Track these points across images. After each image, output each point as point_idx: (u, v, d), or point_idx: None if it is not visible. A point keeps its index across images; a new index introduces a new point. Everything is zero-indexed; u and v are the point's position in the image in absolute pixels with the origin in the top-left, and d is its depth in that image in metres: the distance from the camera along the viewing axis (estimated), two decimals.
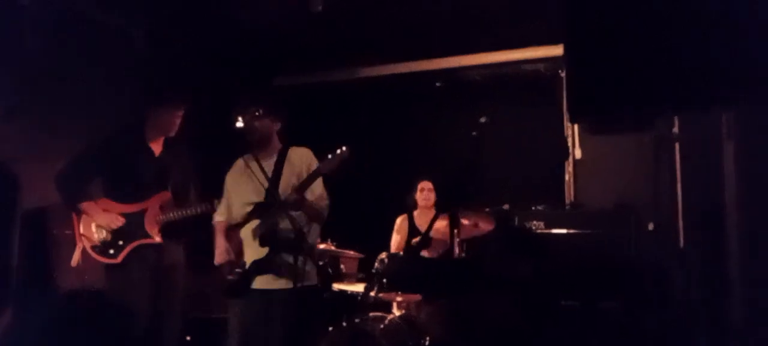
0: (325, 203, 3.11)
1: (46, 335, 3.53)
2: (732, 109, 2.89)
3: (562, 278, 3.78)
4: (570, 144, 4.85)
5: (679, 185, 4.07)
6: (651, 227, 3.70)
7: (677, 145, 4.09)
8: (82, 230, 3.26)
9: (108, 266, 3.25)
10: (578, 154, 4.79)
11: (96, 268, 3.31)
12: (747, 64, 1.98)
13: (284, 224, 2.92)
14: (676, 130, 4.08)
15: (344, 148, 2.87)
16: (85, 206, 3.26)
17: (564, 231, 3.91)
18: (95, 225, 3.26)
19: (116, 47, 4.45)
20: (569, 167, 4.84)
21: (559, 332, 3.68)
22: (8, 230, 3.45)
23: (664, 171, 4.17)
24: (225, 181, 3.23)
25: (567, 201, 4.74)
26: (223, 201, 3.20)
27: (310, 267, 2.95)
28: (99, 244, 3.24)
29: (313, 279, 3.03)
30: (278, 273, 2.95)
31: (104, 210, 3.26)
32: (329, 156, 2.89)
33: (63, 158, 3.35)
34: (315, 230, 3.17)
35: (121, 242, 3.24)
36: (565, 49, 2.25)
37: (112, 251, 3.23)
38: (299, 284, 2.86)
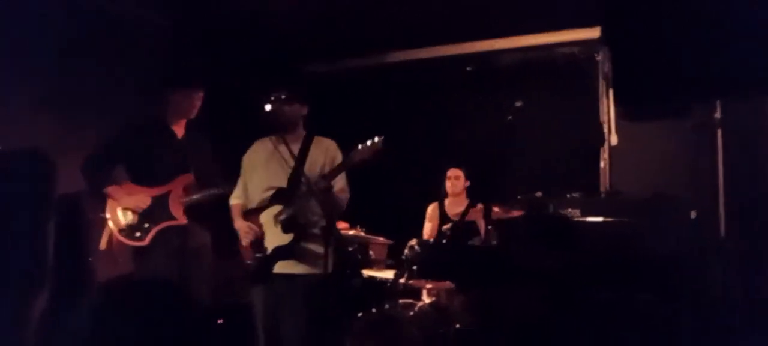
0: (345, 195, 3.07)
1: (80, 316, 3.58)
2: None
3: (596, 267, 3.67)
4: (606, 130, 4.71)
5: (720, 173, 3.92)
6: (694, 215, 3.56)
7: (719, 132, 3.94)
8: (108, 214, 3.28)
9: (136, 249, 3.26)
10: (614, 140, 4.64)
11: (125, 251, 3.32)
12: None
13: (308, 212, 2.88)
14: (718, 115, 3.92)
15: (378, 138, 2.79)
16: (110, 190, 3.28)
17: (600, 219, 3.79)
18: (121, 209, 3.28)
19: (144, 35, 4.46)
20: (604, 154, 4.70)
21: (592, 324, 3.58)
22: (44, 216, 3.52)
23: (705, 158, 4.02)
24: (242, 162, 3.18)
25: (602, 189, 4.62)
26: (240, 183, 3.15)
27: (332, 254, 2.90)
28: (125, 227, 3.26)
29: (334, 266, 2.97)
30: (300, 259, 2.91)
31: (129, 194, 3.28)
32: (362, 146, 2.82)
33: (92, 145, 3.38)
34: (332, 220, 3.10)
35: (147, 225, 3.25)
36: (604, 33, 2.16)
37: (138, 234, 3.24)
38: (322, 271, 2.83)
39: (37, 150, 3.33)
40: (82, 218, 3.73)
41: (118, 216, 3.27)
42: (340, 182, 3.02)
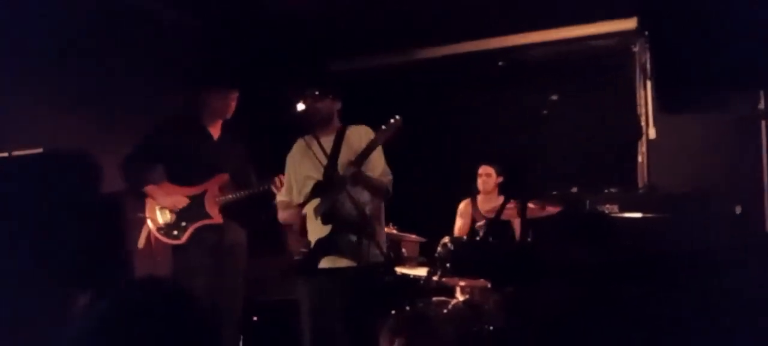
0: (388, 178, 3.08)
1: (120, 314, 3.66)
2: None
3: (634, 265, 3.58)
4: (643, 123, 4.59)
5: (765, 167, 3.79)
6: (739, 210, 3.45)
7: (763, 124, 3.80)
8: (147, 213, 3.36)
9: (173, 247, 3.34)
10: (652, 134, 4.53)
11: (163, 249, 3.40)
12: None
13: (346, 202, 2.90)
14: (762, 106, 3.78)
15: (397, 117, 2.84)
16: (149, 189, 3.36)
17: (638, 215, 3.70)
18: (159, 208, 3.35)
19: (180, 35, 4.53)
20: (642, 148, 4.58)
21: (630, 323, 3.50)
22: (87, 214, 3.61)
23: (749, 152, 3.89)
24: (286, 162, 3.23)
25: (640, 184, 4.50)
26: (287, 181, 3.20)
27: (372, 244, 2.91)
28: (163, 226, 3.33)
29: (377, 257, 2.98)
30: (341, 252, 2.94)
31: (167, 193, 3.35)
32: (383, 127, 2.86)
33: (130, 145, 3.46)
34: (378, 206, 3.11)
35: (183, 224, 3.32)
36: (640, 23, 2.10)
37: (175, 232, 3.32)
38: (362, 262, 2.85)
39: (78, 151, 3.42)
40: (122, 216, 3.82)
41: (157, 215, 3.35)
42: (379, 166, 3.05)
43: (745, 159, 3.87)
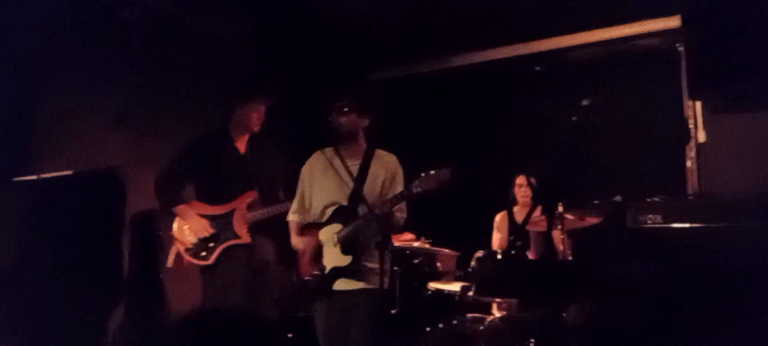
0: (403, 215, 2.97)
1: (152, 332, 3.69)
2: None
3: (684, 279, 3.35)
4: (692, 126, 4.32)
5: None
6: None
7: None
8: (176, 233, 3.36)
9: (202, 268, 3.33)
10: (702, 137, 4.26)
11: (194, 268, 3.39)
12: None
13: (368, 233, 2.81)
14: None
15: (445, 169, 2.65)
16: (179, 209, 3.36)
17: (687, 225, 3.46)
18: (188, 228, 3.34)
19: (210, 50, 4.55)
20: (691, 153, 4.32)
21: (681, 339, 3.26)
22: (119, 233, 3.66)
23: None
24: (300, 174, 3.11)
25: (690, 191, 4.24)
26: (298, 197, 3.09)
27: (388, 270, 2.84)
28: (192, 246, 3.33)
29: (387, 283, 2.89)
30: (359, 278, 2.86)
31: (197, 214, 3.34)
32: (426, 174, 2.68)
33: (162, 163, 3.47)
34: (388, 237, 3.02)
35: (212, 244, 3.31)
36: (684, 20, 1.97)
37: (204, 253, 3.31)
38: (379, 286, 2.76)
39: (107, 172, 3.47)
40: (155, 235, 3.85)
41: (185, 235, 3.35)
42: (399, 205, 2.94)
43: None
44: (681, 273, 3.26)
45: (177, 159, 3.45)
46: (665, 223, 3.41)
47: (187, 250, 3.32)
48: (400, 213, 2.96)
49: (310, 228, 3.00)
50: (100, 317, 3.43)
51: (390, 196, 2.82)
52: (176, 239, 3.35)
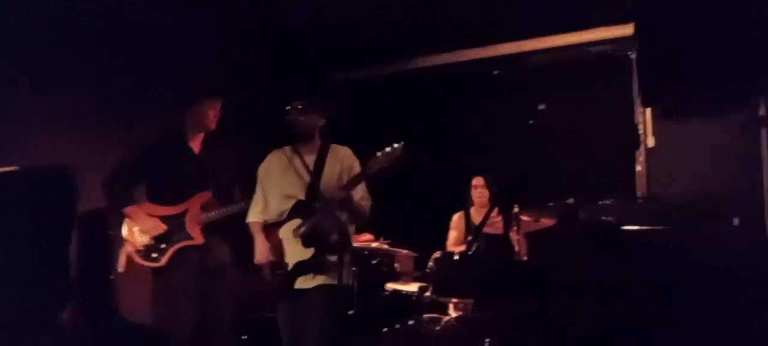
0: (367, 203, 3.00)
1: (101, 336, 3.58)
2: None
3: (634, 278, 3.46)
4: (642, 132, 4.47)
5: (765, 175, 3.66)
6: (736, 222, 3.33)
7: (765, 131, 3.67)
8: (126, 235, 3.26)
9: (154, 270, 3.23)
10: (651, 142, 4.40)
11: (146, 272, 3.29)
12: None
13: (328, 224, 2.80)
14: (763, 113, 3.66)
15: (398, 145, 2.71)
16: (129, 210, 3.25)
17: (636, 227, 3.58)
18: (138, 229, 3.25)
19: (162, 44, 4.44)
20: (641, 157, 4.46)
21: (628, 337, 3.37)
22: (67, 232, 3.53)
23: (750, 159, 3.76)
24: (258, 174, 3.10)
25: (639, 194, 4.38)
26: (257, 197, 3.07)
27: (349, 266, 2.84)
28: (142, 248, 3.23)
29: (350, 279, 2.92)
30: (322, 273, 2.84)
31: (147, 214, 3.24)
32: (380, 153, 2.74)
33: (112, 161, 3.36)
34: (352, 230, 3.05)
35: (163, 246, 3.21)
36: (636, 28, 2.05)
37: (155, 255, 3.21)
38: (340, 283, 2.78)
39: (56, 169, 3.34)
40: (105, 235, 3.74)
41: (135, 237, 3.25)
42: (359, 191, 2.96)
43: (746, 168, 3.75)
44: (631, 272, 3.37)
45: (127, 158, 3.34)
46: (616, 224, 3.53)
47: (138, 252, 3.22)
48: (365, 201, 2.98)
49: (270, 227, 2.97)
50: (46, 318, 3.29)
51: (345, 179, 2.84)
52: (126, 241, 3.24)
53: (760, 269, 3.20)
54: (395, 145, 2.72)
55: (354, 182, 2.83)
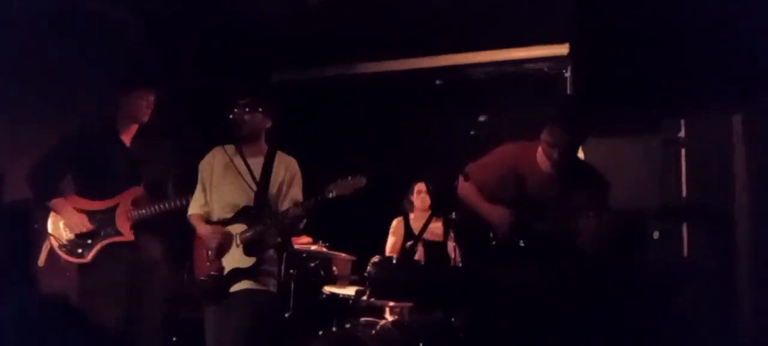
0: (303, 218, 2.96)
1: (20, 334, 3.38)
2: (742, 111, 2.76)
3: (558, 287, 3.62)
4: None
5: (684, 191, 3.92)
6: (656, 235, 3.54)
7: (683, 150, 3.93)
8: (50, 229, 3.11)
9: (80, 266, 3.10)
10: (581, 157, 4.62)
11: (72, 268, 3.15)
12: (758, 66, 1.91)
13: (272, 236, 2.77)
14: (682, 134, 3.92)
15: (361, 177, 2.71)
16: (55, 203, 3.11)
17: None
18: (63, 223, 3.11)
19: (96, 31, 4.25)
20: None
21: (566, 342, 3.52)
22: None
23: (670, 177, 4.01)
24: (200, 169, 3.01)
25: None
26: (198, 192, 2.99)
27: (284, 272, 2.84)
28: (67, 243, 3.09)
29: (277, 287, 2.90)
30: (258, 280, 2.80)
31: (74, 208, 3.10)
32: (342, 180, 2.71)
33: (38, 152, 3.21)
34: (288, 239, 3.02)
35: (89, 241, 3.09)
36: (571, 49, 2.17)
37: (80, 250, 3.08)
38: (274, 288, 2.77)
39: None
40: (29, 230, 3.55)
41: (60, 231, 3.11)
42: (297, 198, 2.92)
43: (667, 184, 4.00)
44: (561, 279, 3.52)
45: (55, 149, 3.18)
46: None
47: (61, 246, 3.08)
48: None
49: (218, 227, 2.89)
50: None
51: (303, 200, 2.81)
52: (50, 235, 3.09)
53: (676, 277, 3.43)
54: (359, 177, 2.71)
55: (311, 204, 2.76)
